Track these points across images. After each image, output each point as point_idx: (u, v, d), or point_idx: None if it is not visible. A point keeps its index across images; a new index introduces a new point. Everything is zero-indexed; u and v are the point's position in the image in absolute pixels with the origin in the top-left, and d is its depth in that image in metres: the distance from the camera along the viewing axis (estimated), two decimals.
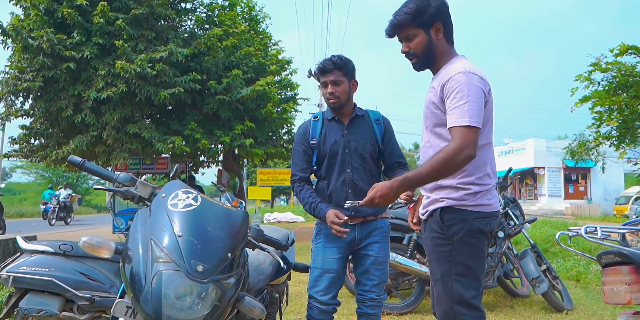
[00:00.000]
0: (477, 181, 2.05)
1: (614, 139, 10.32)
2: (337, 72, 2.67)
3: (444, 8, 2.09)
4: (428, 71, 2.24)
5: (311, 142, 2.71)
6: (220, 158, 12.93)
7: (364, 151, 2.70)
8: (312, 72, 2.88)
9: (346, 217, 2.49)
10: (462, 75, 1.95)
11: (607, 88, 9.63)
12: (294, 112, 12.53)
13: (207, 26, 11.19)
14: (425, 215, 2.16)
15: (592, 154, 12.25)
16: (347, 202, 2.24)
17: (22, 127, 10.68)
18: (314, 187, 2.77)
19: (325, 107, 2.89)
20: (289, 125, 12.36)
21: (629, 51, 9.05)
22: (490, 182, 2.10)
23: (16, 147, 11.06)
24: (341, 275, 2.68)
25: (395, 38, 2.18)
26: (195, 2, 11.25)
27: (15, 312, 2.34)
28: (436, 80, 2.09)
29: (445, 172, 1.93)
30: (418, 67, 2.19)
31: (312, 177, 2.82)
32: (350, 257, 2.78)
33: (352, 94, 2.77)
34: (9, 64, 9.97)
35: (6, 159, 11.55)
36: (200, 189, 11.57)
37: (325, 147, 2.69)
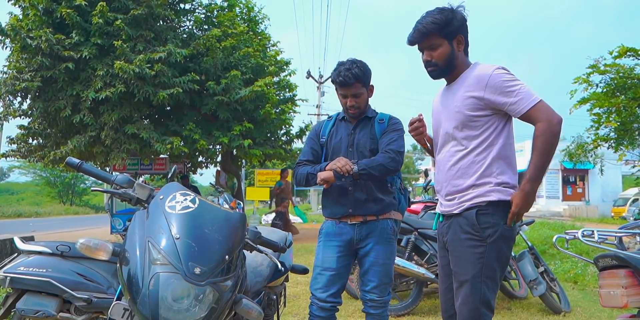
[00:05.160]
0: (512, 181, 2.20)
1: (612, 141, 10.31)
2: (357, 84, 2.60)
3: (465, 22, 2.17)
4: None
5: (321, 139, 2.80)
6: (219, 159, 12.94)
7: (365, 148, 2.71)
8: (331, 80, 2.83)
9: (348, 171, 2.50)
10: (500, 69, 2.08)
11: (605, 90, 9.64)
12: (292, 113, 12.53)
13: (206, 27, 11.21)
14: (459, 210, 2.15)
15: (591, 155, 12.24)
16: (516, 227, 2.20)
17: (20, 127, 10.68)
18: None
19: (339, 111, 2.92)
20: (287, 126, 12.35)
21: (628, 53, 9.04)
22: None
23: (14, 146, 11.05)
24: (341, 274, 2.67)
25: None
26: (194, 2, 11.26)
27: (12, 313, 2.34)
28: (464, 86, 2.13)
29: (553, 147, 2.06)
30: (436, 75, 2.22)
31: None
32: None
33: (369, 99, 2.77)
34: (7, 63, 9.95)
35: (4, 158, 11.51)
36: (194, 188, 11.53)
37: (331, 145, 2.76)
